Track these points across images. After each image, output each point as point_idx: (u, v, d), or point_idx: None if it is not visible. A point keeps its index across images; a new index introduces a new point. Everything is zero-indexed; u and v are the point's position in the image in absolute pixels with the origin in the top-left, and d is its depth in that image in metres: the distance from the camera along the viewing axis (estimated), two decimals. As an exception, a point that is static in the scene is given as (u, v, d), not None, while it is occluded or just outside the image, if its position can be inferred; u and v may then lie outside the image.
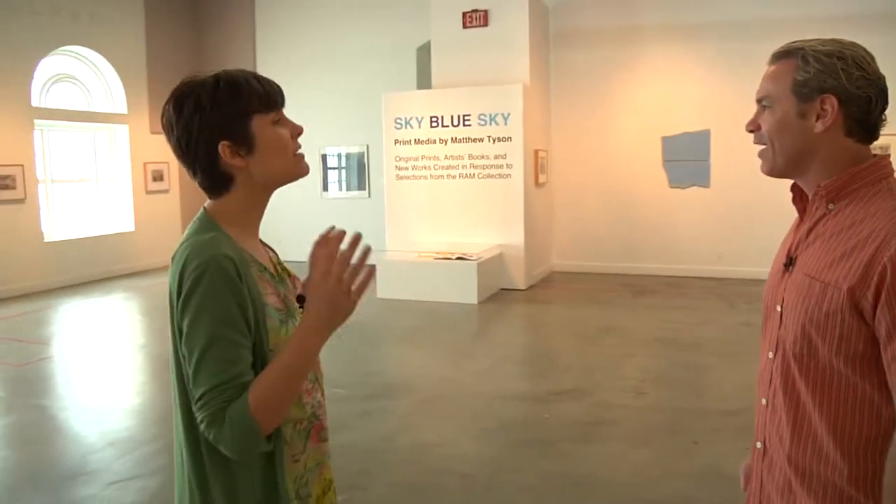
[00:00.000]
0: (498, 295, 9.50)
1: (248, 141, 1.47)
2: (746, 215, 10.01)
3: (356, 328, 7.82)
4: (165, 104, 1.49)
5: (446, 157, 10.11)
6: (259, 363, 1.43)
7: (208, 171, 1.49)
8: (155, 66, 12.37)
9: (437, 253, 9.61)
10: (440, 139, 10.12)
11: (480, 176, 9.94)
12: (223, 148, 1.46)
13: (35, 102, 10.65)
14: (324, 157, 12.80)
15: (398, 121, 10.36)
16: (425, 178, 10.28)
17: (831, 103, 1.38)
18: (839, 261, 1.34)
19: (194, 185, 1.58)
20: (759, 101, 1.49)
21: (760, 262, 10.50)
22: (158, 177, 12.46)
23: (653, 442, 4.60)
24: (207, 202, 1.56)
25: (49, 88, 11.09)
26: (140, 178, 12.11)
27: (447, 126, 10.07)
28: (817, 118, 1.40)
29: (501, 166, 9.81)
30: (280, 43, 12.84)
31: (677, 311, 8.34)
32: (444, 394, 5.67)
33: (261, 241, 1.66)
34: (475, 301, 8.92)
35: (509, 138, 9.72)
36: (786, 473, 1.44)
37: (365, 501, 3.91)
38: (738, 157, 9.96)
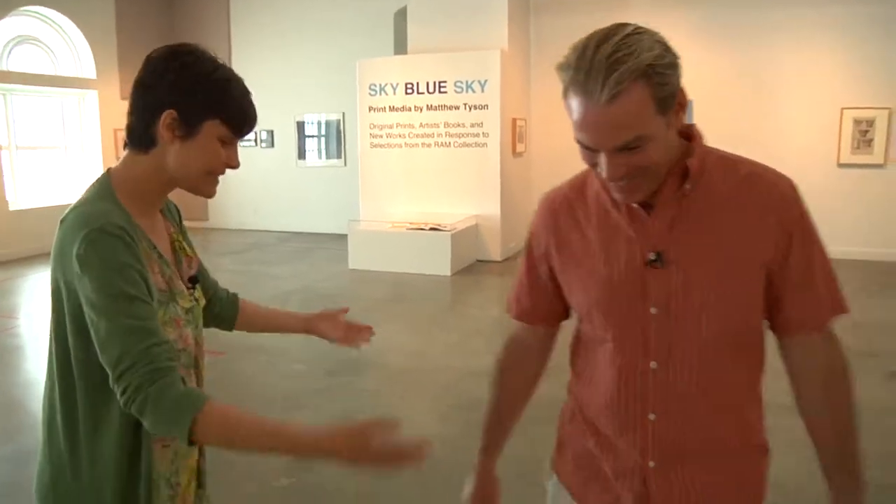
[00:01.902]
0: (473, 267, 9.33)
1: (190, 131, 1.44)
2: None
3: (322, 300, 7.66)
4: (166, 51, 1.46)
5: (421, 125, 9.88)
6: None
7: (141, 121, 1.45)
8: (125, 29, 12.00)
9: (411, 223, 9.41)
10: (415, 107, 9.88)
11: (456, 145, 9.73)
12: (168, 114, 1.42)
13: (-3, 66, 10.30)
14: (300, 125, 12.53)
15: (372, 87, 10.11)
16: (400, 146, 10.06)
17: (682, 95, 1.28)
18: (740, 234, 1.34)
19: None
20: (621, 149, 1.25)
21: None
22: (129, 144, 12.15)
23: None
24: (115, 164, 1.51)
25: (11, 51, 10.71)
26: (111, 146, 11.77)
27: (422, 93, 9.82)
28: (677, 116, 1.29)
29: (478, 135, 9.59)
30: (256, 8, 12.50)
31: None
32: (411, 368, 5.52)
33: (165, 211, 1.64)
34: (448, 273, 8.75)
35: (486, 106, 9.49)
36: (693, 480, 1.43)
37: (312, 485, 3.75)
38: (722, 129, 9.76)
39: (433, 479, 3.80)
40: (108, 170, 1.51)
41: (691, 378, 1.39)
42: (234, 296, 1.92)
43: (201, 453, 1.63)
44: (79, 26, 11.29)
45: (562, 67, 1.26)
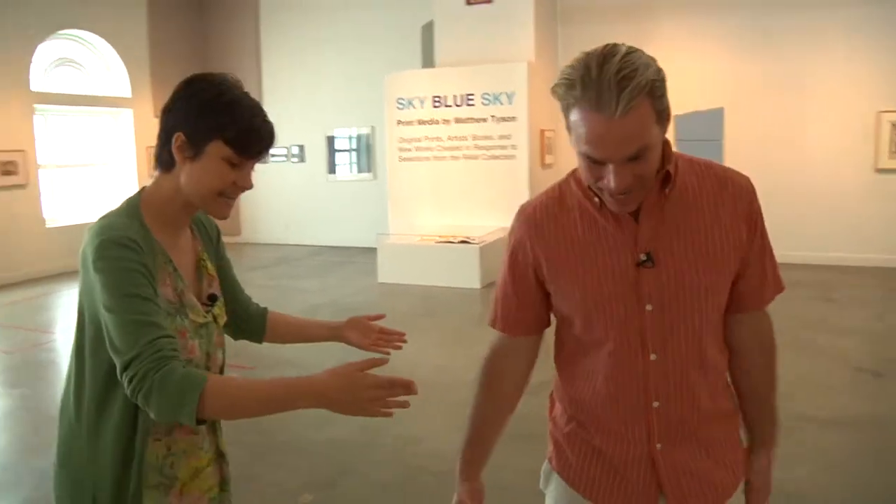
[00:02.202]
0: (502, 279, 9.28)
1: (197, 152, 1.54)
2: (761, 196, 9.61)
3: (351, 313, 7.60)
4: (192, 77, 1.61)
5: (449, 138, 9.89)
6: None
7: (162, 144, 1.58)
8: (158, 49, 12.23)
9: (440, 236, 9.41)
10: (443, 119, 9.90)
11: (484, 157, 9.72)
12: (177, 137, 1.54)
13: (36, 87, 10.53)
14: (330, 139, 12.61)
15: (400, 101, 10.15)
16: (428, 159, 10.08)
17: (669, 109, 1.41)
18: (720, 229, 1.49)
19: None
20: (629, 159, 1.35)
21: (774, 243, 10.21)
22: (163, 161, 12.36)
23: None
24: (148, 184, 1.64)
25: (50, 73, 10.96)
26: (144, 162, 11.99)
27: (450, 106, 9.84)
28: (665, 128, 1.41)
29: (506, 147, 9.58)
30: (285, 25, 12.65)
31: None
32: (437, 382, 5.50)
33: (200, 229, 1.78)
34: (478, 286, 8.72)
35: (514, 118, 9.48)
36: (702, 447, 1.59)
37: (332, 500, 3.75)
38: (752, 137, 9.68)
39: (445, 499, 3.78)
40: (142, 188, 1.64)
41: (686, 363, 1.53)
42: (264, 310, 2.00)
43: (218, 460, 1.75)
44: (114, 47, 11.53)
45: (564, 87, 1.35)
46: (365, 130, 12.30)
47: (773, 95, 9.60)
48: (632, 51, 1.32)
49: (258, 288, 9.29)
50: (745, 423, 1.69)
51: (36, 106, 10.52)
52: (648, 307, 1.49)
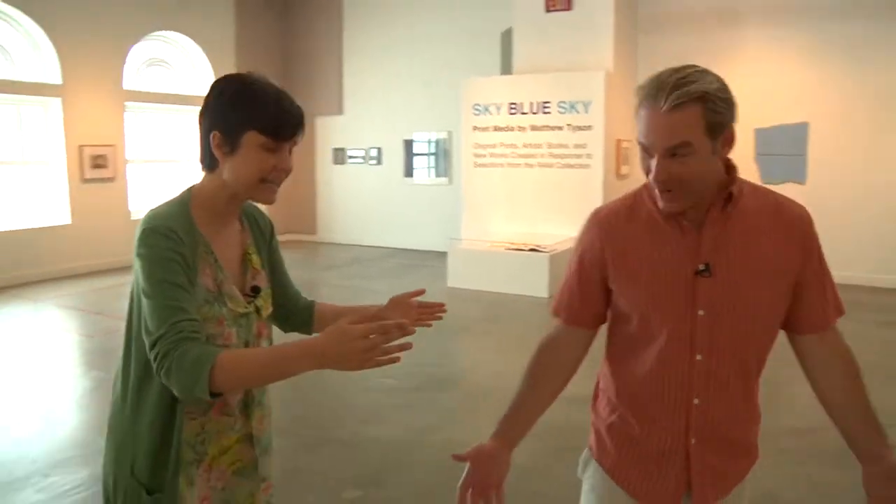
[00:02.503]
0: (571, 289, 9.19)
1: (233, 145, 1.65)
2: (846, 214, 9.26)
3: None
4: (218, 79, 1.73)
5: (524, 146, 9.85)
6: None
7: (203, 146, 1.70)
8: (243, 49, 12.59)
9: (510, 243, 9.38)
10: (519, 126, 9.87)
11: (559, 165, 9.65)
12: (214, 135, 1.66)
13: (127, 85, 10.98)
14: (408, 143, 12.73)
15: (477, 107, 10.17)
16: (502, 166, 10.06)
17: (731, 132, 1.58)
18: (775, 250, 1.64)
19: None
20: (668, 150, 1.53)
21: (861, 265, 9.88)
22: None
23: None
24: (199, 179, 1.77)
25: (141, 72, 11.43)
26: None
27: (526, 113, 9.81)
28: (723, 147, 1.58)
29: (581, 156, 9.48)
30: (366, 28, 12.84)
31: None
32: (494, 388, 5.48)
33: (250, 223, 1.88)
34: (546, 294, 8.65)
35: (590, 127, 9.38)
36: (730, 445, 1.74)
37: (381, 499, 3.78)
38: (838, 152, 9.33)
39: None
40: (192, 185, 1.76)
41: (729, 367, 1.67)
42: (311, 302, 2.08)
43: (247, 442, 1.83)
44: (201, 47, 11.93)
45: (638, 89, 1.57)
46: (442, 135, 12.37)
47: (861, 106, 9.21)
48: (703, 69, 1.53)
49: (331, 287, 9.48)
50: (847, 442, 1.75)
51: (126, 103, 10.97)
52: (700, 312, 1.64)
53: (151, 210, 1.67)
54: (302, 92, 13.67)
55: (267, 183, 1.68)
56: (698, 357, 1.66)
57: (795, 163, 9.68)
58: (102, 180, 10.61)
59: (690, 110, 1.49)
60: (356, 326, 1.42)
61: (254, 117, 1.62)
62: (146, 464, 1.66)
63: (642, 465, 1.77)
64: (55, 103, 10.10)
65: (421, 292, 2.06)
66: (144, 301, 1.56)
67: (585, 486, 1.91)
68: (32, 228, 9.98)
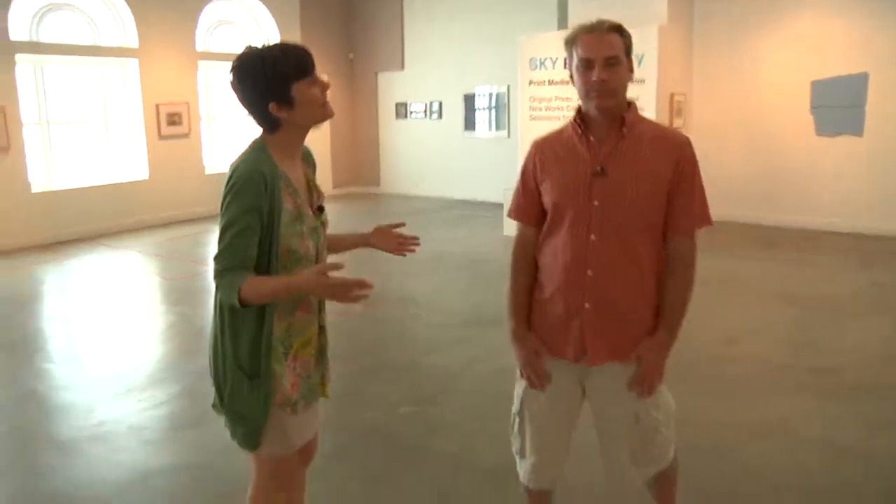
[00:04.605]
0: (623, 238, 9.43)
1: (289, 101, 2.05)
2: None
3: (478, 263, 8.14)
4: (231, 70, 2.08)
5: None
6: (266, 255, 2.07)
7: (263, 118, 2.10)
8: (308, 10, 13.00)
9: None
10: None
11: (612, 118, 9.82)
12: (272, 106, 2.05)
13: (199, 47, 11.54)
14: (468, 97, 13.03)
15: (533, 61, 10.41)
16: (558, 119, 10.27)
17: (631, 61, 2.24)
18: (653, 162, 2.22)
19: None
20: (607, 59, 2.15)
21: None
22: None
23: (721, 390, 4.53)
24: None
25: (212, 33, 11.96)
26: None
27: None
28: (629, 71, 2.24)
29: (634, 109, 9.63)
30: (427, -14, 13.08)
31: (806, 265, 7.95)
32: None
33: (306, 158, 2.31)
34: (597, 243, 8.93)
35: (643, 81, 9.52)
36: (618, 315, 2.27)
37: (432, 416, 4.24)
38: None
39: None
40: (261, 136, 2.15)
41: (616, 248, 2.23)
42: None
43: (320, 332, 2.31)
44: (266, 6, 12.40)
45: (572, 31, 2.24)
46: (501, 89, 12.64)
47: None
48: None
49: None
50: (661, 318, 2.30)
51: (199, 62, 11.54)
52: (595, 203, 2.23)
53: (238, 158, 2.10)
54: (364, 48, 14.08)
55: (324, 104, 2.12)
56: (592, 237, 2.23)
57: (853, 115, 9.61)
58: (177, 136, 11.24)
59: (616, 36, 2.18)
60: (327, 279, 1.95)
61: (288, 74, 2.02)
62: (246, 354, 2.11)
63: (551, 322, 2.35)
64: (132, 64, 10.75)
65: (401, 224, 2.56)
66: (221, 226, 2.03)
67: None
68: (114, 183, 10.72)
